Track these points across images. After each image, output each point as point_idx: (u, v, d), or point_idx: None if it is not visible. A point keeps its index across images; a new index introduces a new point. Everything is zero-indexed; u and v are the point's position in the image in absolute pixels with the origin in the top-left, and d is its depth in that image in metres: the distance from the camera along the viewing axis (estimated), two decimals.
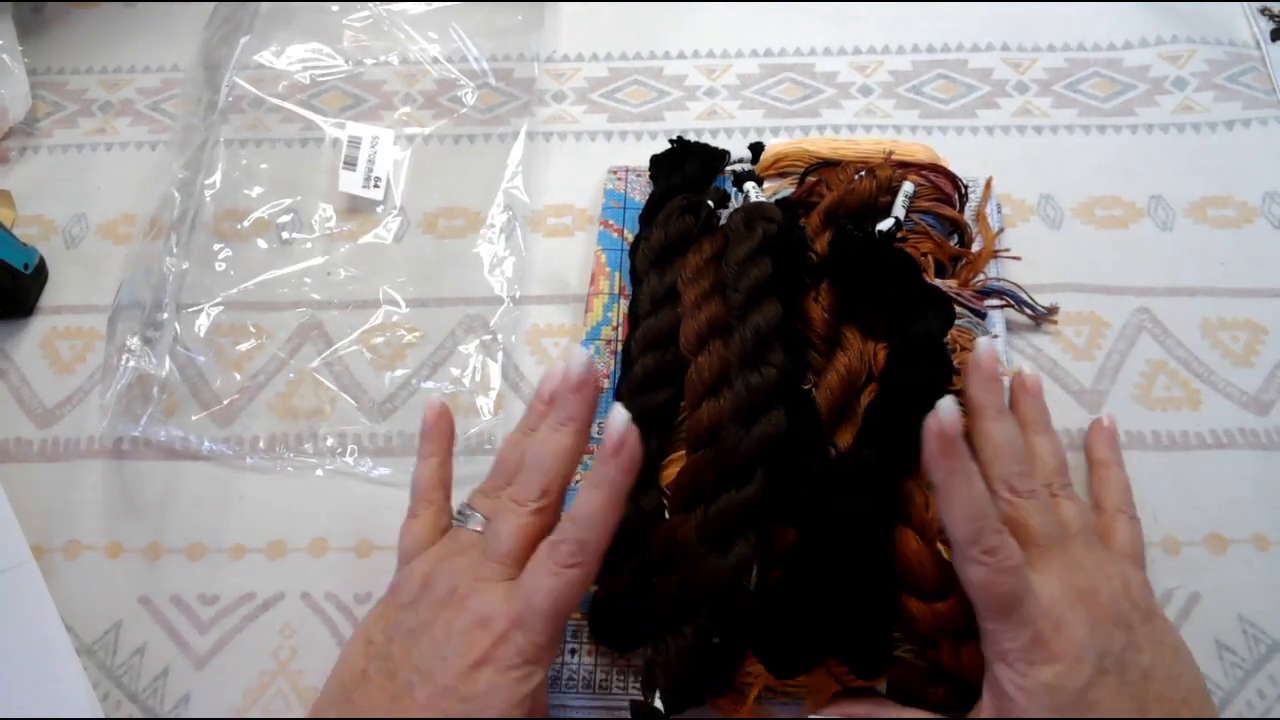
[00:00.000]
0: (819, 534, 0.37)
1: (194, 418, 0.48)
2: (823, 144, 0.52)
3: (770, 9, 0.61)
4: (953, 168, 0.50)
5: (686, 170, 0.50)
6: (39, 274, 0.53)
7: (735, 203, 0.49)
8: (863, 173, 0.48)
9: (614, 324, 0.49)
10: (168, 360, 0.49)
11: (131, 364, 0.47)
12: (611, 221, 0.52)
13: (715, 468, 0.38)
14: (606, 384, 0.47)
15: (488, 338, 0.50)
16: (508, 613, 0.34)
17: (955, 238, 0.49)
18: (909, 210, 0.48)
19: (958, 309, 0.45)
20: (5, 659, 0.42)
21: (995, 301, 0.48)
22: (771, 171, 0.52)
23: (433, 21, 0.61)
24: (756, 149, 0.52)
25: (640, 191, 0.53)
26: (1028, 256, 0.50)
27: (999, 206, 0.51)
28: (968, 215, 0.50)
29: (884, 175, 0.48)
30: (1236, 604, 0.42)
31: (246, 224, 0.54)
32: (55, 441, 0.48)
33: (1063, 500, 0.39)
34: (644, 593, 0.38)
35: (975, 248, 0.49)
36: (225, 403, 0.49)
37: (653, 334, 0.43)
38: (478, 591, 0.35)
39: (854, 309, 0.44)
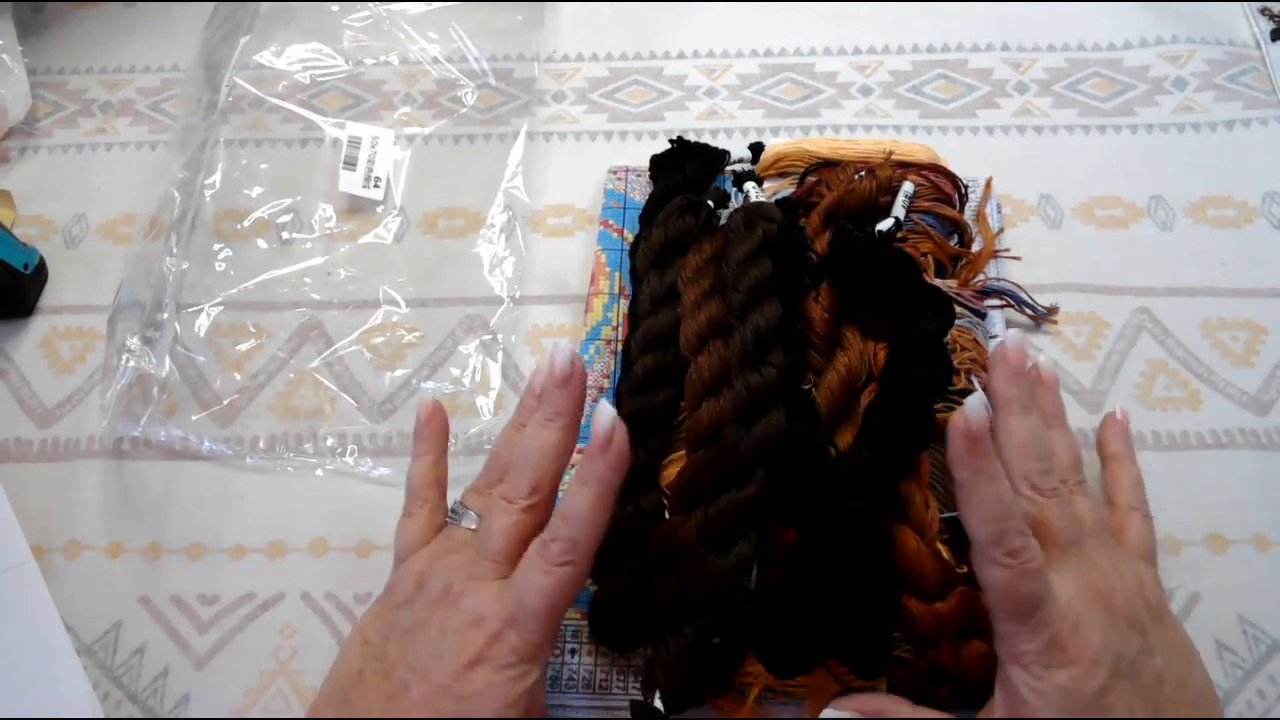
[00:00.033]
0: (819, 534, 0.37)
1: (194, 418, 0.48)
2: (823, 144, 0.52)
3: (770, 9, 0.61)
4: (953, 168, 0.50)
5: (686, 170, 0.50)
6: (39, 274, 0.53)
7: (735, 203, 0.49)
8: (863, 173, 0.48)
9: (614, 324, 0.49)
10: (168, 360, 0.49)
11: (131, 364, 0.47)
12: (611, 221, 0.52)
13: (715, 468, 0.38)
14: (606, 384, 0.47)
15: (488, 338, 0.50)
16: (500, 612, 0.34)
17: (955, 238, 0.49)
18: (909, 210, 0.48)
19: (958, 309, 0.45)
20: (5, 659, 0.42)
21: (995, 301, 0.48)
22: (771, 171, 0.52)
23: (433, 21, 0.61)
24: (756, 149, 0.52)
25: (640, 191, 0.53)
26: (1028, 256, 0.50)
27: (999, 206, 0.51)
28: (968, 215, 0.50)
29: (884, 175, 0.48)
30: (1236, 604, 0.42)
31: (246, 224, 0.54)
32: (55, 441, 0.48)
33: (1078, 497, 0.39)
34: (644, 593, 0.38)
35: (975, 248, 0.49)
36: (225, 403, 0.49)
37: (653, 334, 0.43)
38: (471, 590, 0.34)
39: (854, 309, 0.44)
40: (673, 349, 0.43)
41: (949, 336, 0.43)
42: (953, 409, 0.41)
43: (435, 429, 0.41)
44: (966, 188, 0.50)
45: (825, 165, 0.50)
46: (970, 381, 0.44)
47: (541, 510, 0.36)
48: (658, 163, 0.52)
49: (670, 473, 0.42)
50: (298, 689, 0.42)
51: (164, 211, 0.52)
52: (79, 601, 0.44)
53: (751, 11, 0.61)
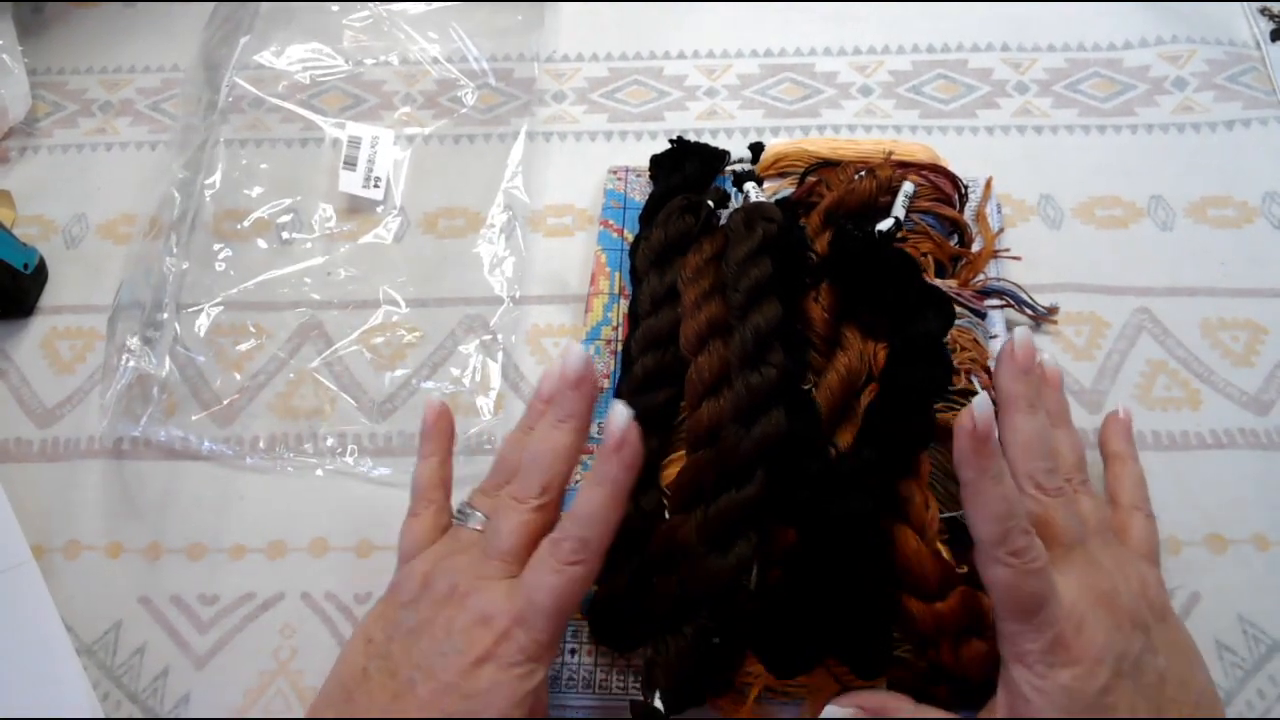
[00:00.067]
0: (819, 534, 0.37)
1: (194, 418, 0.48)
2: (823, 144, 0.52)
3: (770, 9, 0.61)
4: (953, 168, 0.50)
5: (686, 170, 0.50)
6: (39, 274, 0.53)
7: (735, 203, 0.49)
8: (863, 173, 0.48)
9: (614, 324, 0.49)
10: (168, 360, 0.49)
11: (131, 364, 0.47)
12: (611, 221, 0.52)
13: (715, 468, 0.38)
14: (606, 384, 0.47)
15: (488, 338, 0.50)
16: (509, 610, 0.34)
17: (955, 238, 0.49)
18: (909, 210, 0.48)
19: (958, 309, 0.45)
20: (5, 659, 0.42)
21: (995, 301, 0.48)
22: (771, 171, 0.52)
23: (433, 21, 0.61)
24: (756, 149, 0.52)
25: (640, 191, 0.53)
26: (1028, 256, 0.50)
27: (999, 206, 0.51)
28: (968, 215, 0.50)
29: (884, 175, 0.48)
30: (1236, 604, 0.42)
31: (246, 224, 0.54)
32: (55, 441, 0.48)
33: (1081, 496, 0.39)
34: (644, 593, 0.38)
35: (975, 248, 0.49)
36: (225, 403, 0.49)
37: (653, 334, 0.43)
38: (479, 589, 0.34)
39: (854, 309, 0.44)
40: (673, 349, 0.43)
41: (949, 336, 0.43)
42: (953, 409, 0.41)
43: (442, 430, 0.41)
44: (966, 188, 0.50)
45: (825, 165, 0.50)
46: (970, 381, 0.44)
47: (550, 511, 0.36)
48: (658, 163, 0.52)
49: (670, 473, 0.42)
50: (298, 689, 0.42)
51: (164, 211, 0.52)
52: (79, 601, 0.44)
53: (751, 11, 0.61)
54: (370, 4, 0.61)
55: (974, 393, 0.39)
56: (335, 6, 0.62)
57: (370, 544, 0.45)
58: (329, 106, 0.58)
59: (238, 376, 0.50)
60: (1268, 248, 0.50)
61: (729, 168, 0.52)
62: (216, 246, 0.53)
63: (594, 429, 0.42)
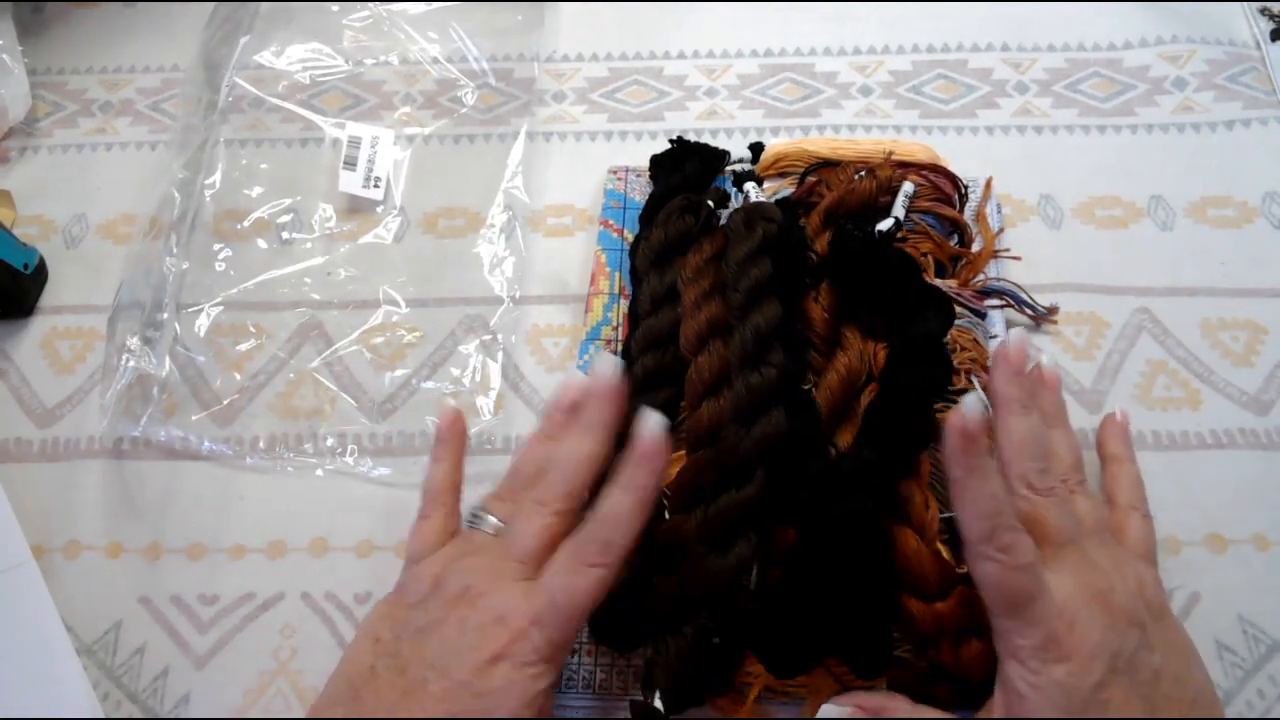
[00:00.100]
0: (819, 534, 0.37)
1: (194, 418, 0.48)
2: (823, 144, 0.52)
3: (770, 9, 0.61)
4: (953, 168, 0.50)
5: (686, 170, 0.50)
6: (39, 274, 0.53)
7: (735, 203, 0.49)
8: (863, 173, 0.48)
9: (614, 324, 0.49)
10: (168, 360, 0.49)
11: (131, 364, 0.47)
12: (611, 221, 0.52)
13: (715, 468, 0.38)
14: None
15: (488, 338, 0.50)
16: (527, 610, 0.34)
17: (955, 238, 0.49)
18: (909, 210, 0.48)
19: (958, 309, 0.45)
20: (5, 659, 0.42)
21: (995, 301, 0.48)
22: (771, 171, 0.52)
23: (433, 21, 0.61)
24: (756, 149, 0.52)
25: (640, 191, 0.53)
26: (1028, 256, 0.50)
27: (999, 206, 0.51)
28: (968, 215, 0.50)
29: (884, 175, 0.48)
30: (1236, 604, 0.42)
31: (246, 224, 0.54)
32: (55, 441, 0.48)
33: (1078, 496, 0.39)
34: (644, 593, 0.38)
35: (975, 248, 0.49)
36: (225, 403, 0.49)
37: (653, 334, 0.43)
38: (495, 590, 0.35)
39: (854, 309, 0.44)
40: (673, 349, 0.43)
41: (949, 336, 0.43)
42: (953, 409, 0.41)
43: (455, 436, 0.41)
44: (966, 188, 0.50)
45: (825, 165, 0.50)
46: (970, 381, 0.44)
47: (571, 518, 0.37)
48: (658, 163, 0.52)
49: (670, 473, 0.42)
50: (298, 689, 0.42)
51: (164, 211, 0.52)
52: (79, 601, 0.44)
53: (751, 11, 0.61)
54: (370, 4, 0.61)
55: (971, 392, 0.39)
56: (335, 6, 0.62)
57: (370, 544, 0.45)
58: (329, 106, 0.58)
59: (238, 376, 0.50)
60: (1268, 248, 0.50)
61: (729, 168, 0.52)
62: (216, 246, 0.53)
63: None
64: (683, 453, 0.41)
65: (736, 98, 0.57)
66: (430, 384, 0.49)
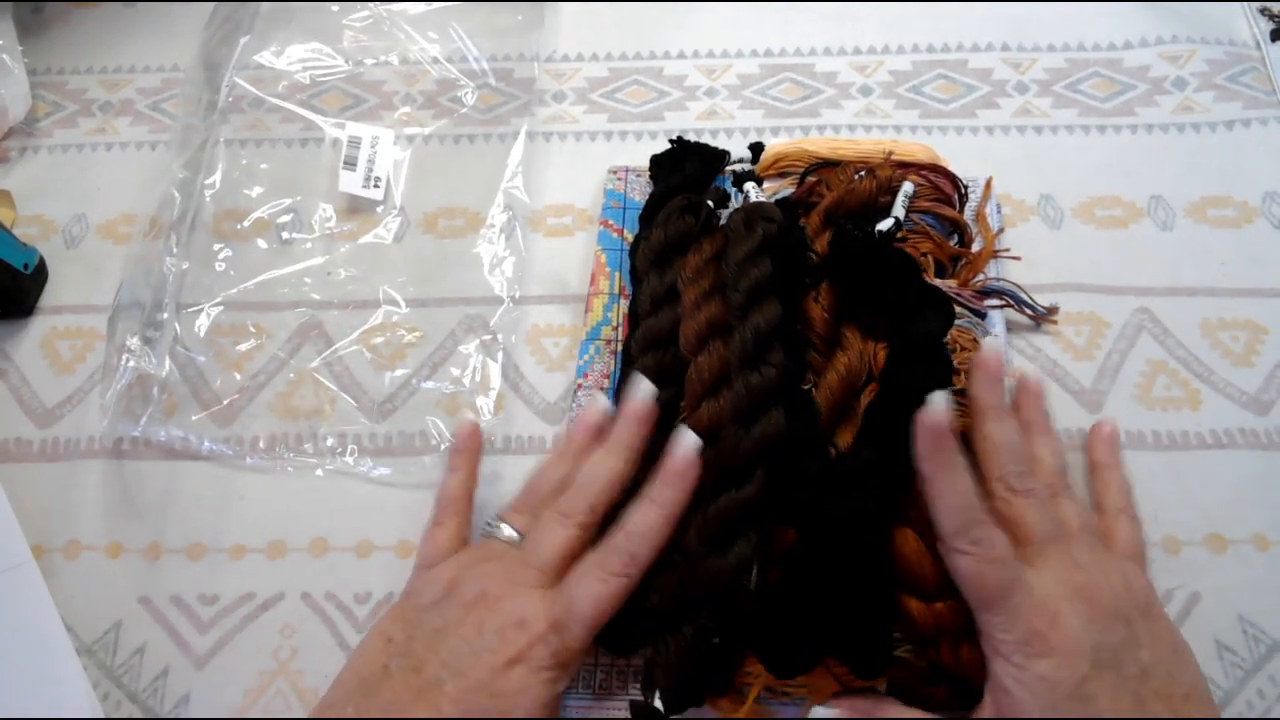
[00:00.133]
0: (819, 534, 0.37)
1: (194, 418, 0.48)
2: (823, 144, 0.52)
3: (770, 9, 0.61)
4: (953, 168, 0.50)
5: (686, 170, 0.50)
6: (39, 274, 0.53)
7: (735, 203, 0.49)
8: (863, 173, 0.48)
9: (614, 324, 0.49)
10: (168, 360, 0.49)
11: (131, 364, 0.47)
12: (611, 221, 0.52)
13: (715, 468, 0.38)
14: (607, 384, 0.47)
15: (488, 338, 0.50)
16: (547, 615, 0.35)
17: (955, 238, 0.49)
18: (909, 210, 0.48)
19: (958, 309, 0.45)
20: (5, 659, 0.42)
21: (995, 301, 0.48)
22: (771, 171, 0.52)
23: (433, 21, 0.61)
24: (756, 149, 0.52)
25: (640, 191, 0.53)
26: (1028, 256, 0.50)
27: (999, 206, 0.51)
28: (968, 215, 0.50)
29: (884, 175, 0.48)
30: (1236, 604, 0.42)
31: (246, 224, 0.54)
32: (55, 441, 0.48)
33: (1063, 500, 0.39)
34: (644, 593, 0.38)
35: (975, 248, 0.49)
36: (225, 403, 0.49)
37: (653, 334, 0.43)
38: (513, 595, 0.35)
39: (854, 309, 0.44)
40: (673, 349, 0.43)
41: (949, 336, 0.43)
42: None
43: (472, 448, 0.43)
44: (966, 188, 0.50)
45: (825, 165, 0.50)
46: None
47: (590, 533, 0.38)
48: (658, 163, 0.52)
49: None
50: (298, 689, 0.42)
51: (164, 211, 0.52)
52: (79, 601, 0.44)
53: (751, 11, 0.61)
54: (370, 4, 0.61)
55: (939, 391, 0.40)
56: (335, 6, 0.62)
57: (370, 544, 0.45)
58: (329, 106, 0.58)
59: (238, 376, 0.50)
60: (1268, 248, 0.50)
61: (729, 168, 0.52)
62: (216, 246, 0.53)
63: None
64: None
65: (736, 98, 0.57)
66: (430, 384, 0.49)
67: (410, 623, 0.36)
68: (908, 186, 0.48)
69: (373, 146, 0.55)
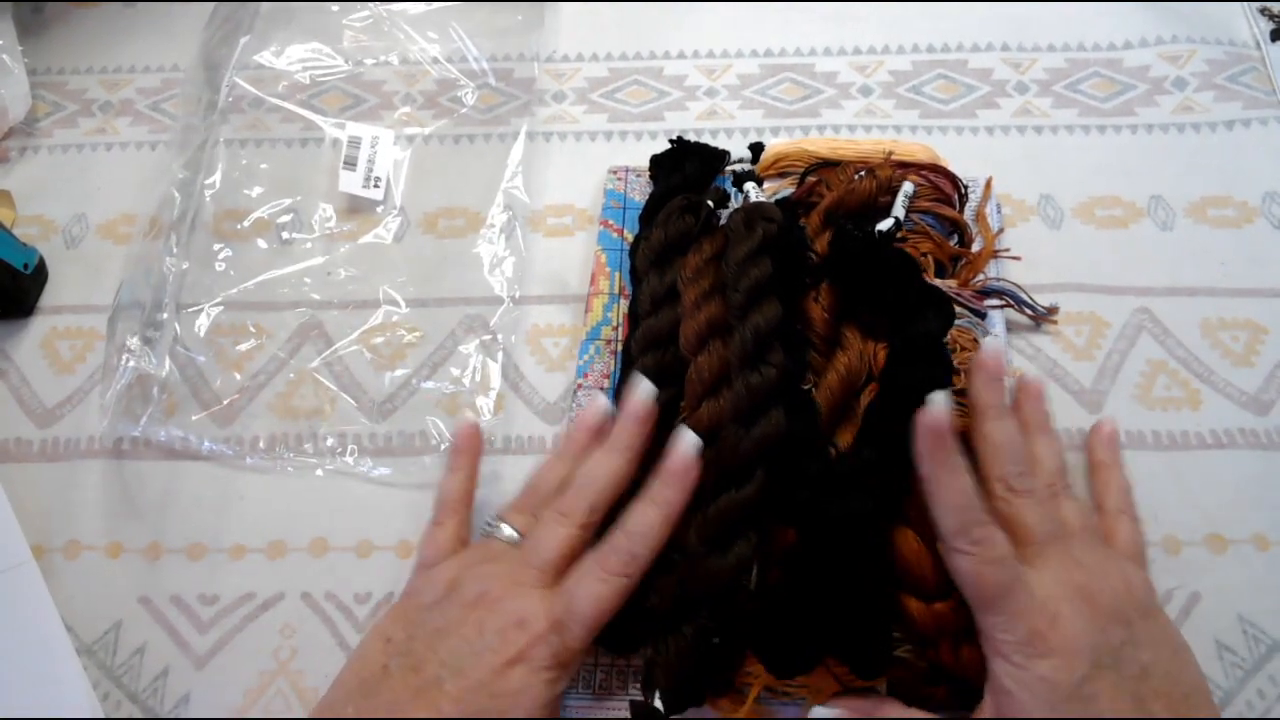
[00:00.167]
0: (819, 534, 0.37)
1: (194, 418, 0.48)
2: (823, 144, 0.52)
3: (770, 9, 0.61)
4: (953, 168, 0.50)
5: (686, 170, 0.50)
6: (39, 274, 0.53)
7: (735, 203, 0.49)
8: (863, 173, 0.48)
9: (614, 324, 0.49)
10: (168, 360, 0.49)
11: (131, 364, 0.47)
12: (611, 221, 0.52)
13: (715, 468, 0.38)
14: (607, 384, 0.47)
15: (488, 338, 0.50)
16: (548, 615, 0.35)
17: (955, 238, 0.49)
18: (909, 210, 0.48)
19: (958, 309, 0.45)
20: (5, 659, 0.42)
21: (995, 301, 0.48)
22: (771, 171, 0.52)
23: (433, 21, 0.61)
24: (756, 149, 0.52)
25: (640, 191, 0.53)
26: (1028, 256, 0.50)
27: (999, 206, 0.51)
28: (968, 215, 0.50)
29: (884, 175, 0.48)
30: (1236, 604, 0.42)
31: (246, 224, 0.54)
32: (55, 441, 0.48)
33: (1063, 500, 0.39)
34: (644, 593, 0.38)
35: (975, 248, 0.49)
36: (225, 403, 0.49)
37: (653, 334, 0.43)
38: (514, 595, 0.35)
39: (854, 309, 0.44)
40: (673, 349, 0.43)
41: (949, 336, 0.43)
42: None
43: (472, 449, 0.43)
44: (966, 188, 0.50)
45: (825, 165, 0.50)
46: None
47: (590, 532, 0.38)
48: (658, 163, 0.52)
49: None
50: (298, 689, 0.42)
51: (164, 211, 0.52)
52: (79, 601, 0.44)
53: (751, 11, 0.61)
54: (370, 4, 0.61)
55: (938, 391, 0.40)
56: (335, 6, 0.62)
57: (370, 544, 0.45)
58: (329, 106, 0.58)
59: (238, 376, 0.50)
60: (1268, 248, 0.50)
61: (729, 168, 0.52)
62: (216, 246, 0.53)
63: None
64: None
65: (736, 98, 0.57)
66: (430, 384, 0.49)
67: (410, 623, 0.36)
68: (908, 186, 0.48)
69: (373, 146, 0.55)
